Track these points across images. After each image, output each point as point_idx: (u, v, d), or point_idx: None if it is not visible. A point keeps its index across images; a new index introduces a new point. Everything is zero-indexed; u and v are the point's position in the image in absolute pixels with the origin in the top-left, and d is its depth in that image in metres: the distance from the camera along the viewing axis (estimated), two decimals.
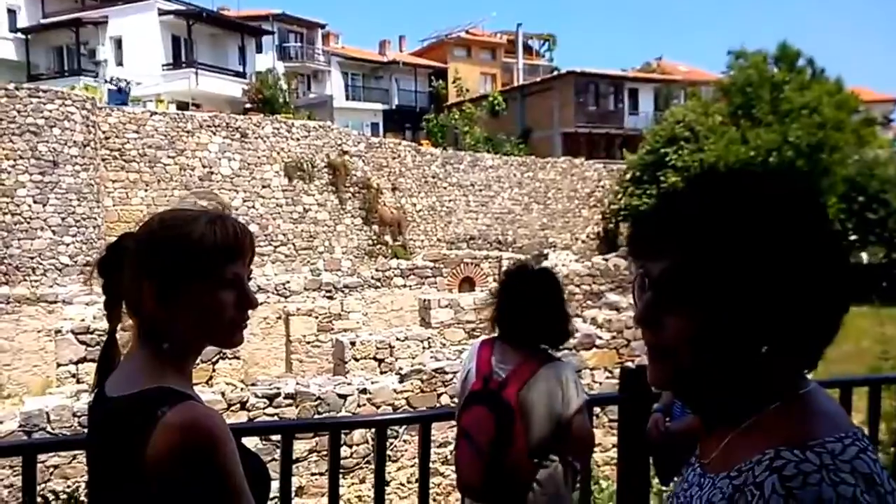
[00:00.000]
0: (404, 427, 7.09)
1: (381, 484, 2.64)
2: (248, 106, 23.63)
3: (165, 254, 1.17)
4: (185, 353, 1.24)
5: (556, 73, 35.65)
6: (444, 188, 22.30)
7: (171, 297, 1.17)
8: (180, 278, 1.17)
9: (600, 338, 8.61)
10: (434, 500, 6.80)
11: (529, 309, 2.34)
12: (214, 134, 17.64)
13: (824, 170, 21.37)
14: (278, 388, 7.12)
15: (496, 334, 2.47)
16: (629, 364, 5.26)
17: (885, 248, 22.32)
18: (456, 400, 2.55)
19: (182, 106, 22.70)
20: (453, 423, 2.48)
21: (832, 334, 0.83)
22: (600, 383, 8.41)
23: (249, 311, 1.25)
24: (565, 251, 19.53)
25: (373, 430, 5.79)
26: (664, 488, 3.43)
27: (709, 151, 21.83)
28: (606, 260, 15.56)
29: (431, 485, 6.29)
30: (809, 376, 0.88)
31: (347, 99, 33.63)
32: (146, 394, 1.13)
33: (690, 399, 0.92)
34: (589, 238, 25.29)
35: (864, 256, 22.87)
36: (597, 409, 6.80)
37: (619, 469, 3.02)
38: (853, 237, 21.93)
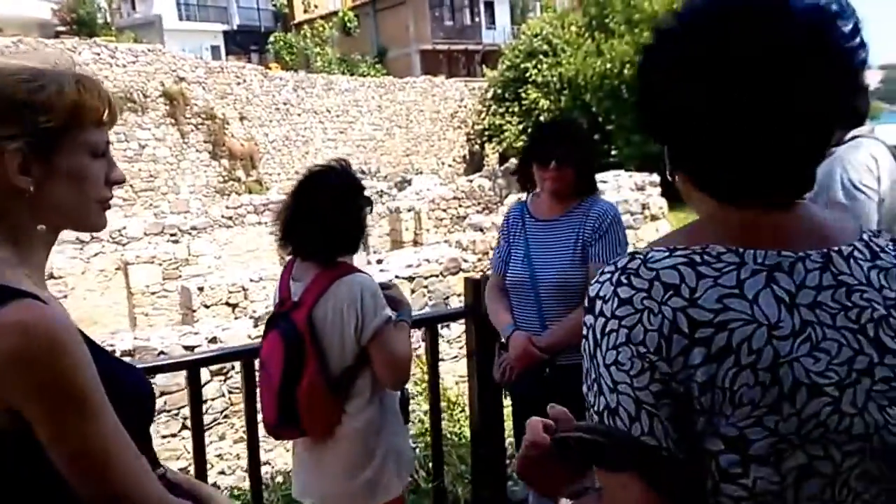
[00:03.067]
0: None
1: (199, 431, 2.45)
2: (60, 29, 20.64)
3: (15, 117, 0.96)
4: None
5: None
6: (298, 115, 20.91)
7: (28, 171, 0.97)
8: (34, 147, 0.97)
9: (466, 261, 8.43)
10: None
11: (311, 213, 1.98)
12: None
13: None
14: (112, 346, 6.33)
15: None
16: (473, 276, 4.92)
17: None
18: None
19: None
20: None
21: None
22: None
23: (115, 189, 1.09)
24: (433, 176, 19.12)
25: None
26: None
27: (567, 65, 21.69)
28: (471, 181, 15.38)
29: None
30: None
31: (181, 19, 30.39)
32: None
33: None
34: (456, 161, 24.97)
35: None
36: (444, 345, 6.47)
37: (472, 392, 2.91)
38: None
